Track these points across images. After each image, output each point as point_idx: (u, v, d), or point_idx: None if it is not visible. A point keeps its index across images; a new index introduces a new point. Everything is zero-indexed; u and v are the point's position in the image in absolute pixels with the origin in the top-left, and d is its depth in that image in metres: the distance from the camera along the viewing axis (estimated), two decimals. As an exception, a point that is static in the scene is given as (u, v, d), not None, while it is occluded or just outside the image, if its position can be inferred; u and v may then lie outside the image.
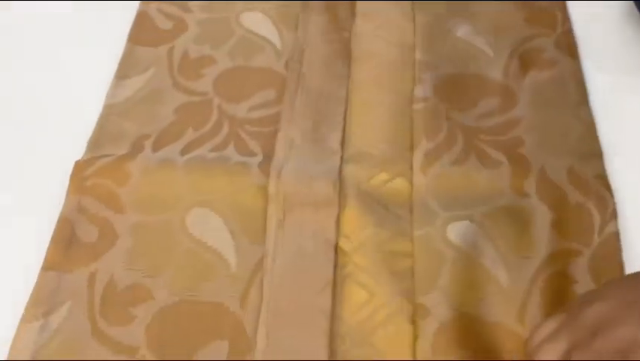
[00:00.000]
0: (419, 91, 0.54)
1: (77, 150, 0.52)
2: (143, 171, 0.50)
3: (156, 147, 0.52)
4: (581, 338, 0.37)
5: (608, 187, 0.48)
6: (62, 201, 0.49)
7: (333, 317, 0.43)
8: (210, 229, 0.47)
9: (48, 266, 0.46)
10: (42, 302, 0.44)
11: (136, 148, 0.52)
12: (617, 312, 0.37)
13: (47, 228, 0.48)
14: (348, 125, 0.53)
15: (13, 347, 0.42)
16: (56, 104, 0.57)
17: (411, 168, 0.50)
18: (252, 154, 0.51)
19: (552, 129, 0.52)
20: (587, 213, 0.47)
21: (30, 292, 0.45)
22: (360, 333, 0.42)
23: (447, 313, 0.42)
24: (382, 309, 0.42)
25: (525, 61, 0.56)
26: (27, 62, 0.60)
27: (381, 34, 0.58)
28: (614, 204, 0.47)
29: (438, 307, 0.43)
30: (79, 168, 0.50)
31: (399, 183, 0.49)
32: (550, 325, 0.40)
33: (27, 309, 0.44)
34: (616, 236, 0.46)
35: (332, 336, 0.41)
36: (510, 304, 0.43)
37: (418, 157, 0.50)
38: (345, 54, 0.58)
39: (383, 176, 0.49)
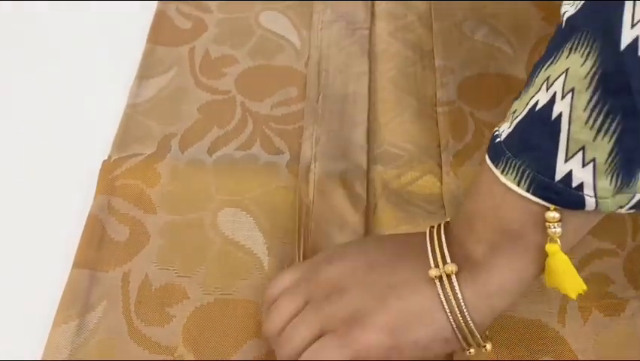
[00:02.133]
0: (442, 95, 0.54)
1: (100, 148, 0.52)
2: (172, 171, 0.50)
3: (182, 146, 0.52)
4: (316, 297, 0.37)
5: None
6: (86, 200, 0.49)
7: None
8: (241, 229, 0.47)
9: (79, 264, 0.45)
10: (76, 301, 0.44)
11: (164, 147, 0.52)
12: (345, 278, 0.37)
13: (72, 227, 0.48)
14: (371, 124, 0.53)
15: (48, 347, 0.42)
16: (75, 103, 0.56)
17: (440, 167, 0.50)
18: (279, 152, 0.52)
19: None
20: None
21: (57, 289, 0.44)
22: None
23: None
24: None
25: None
26: (46, 61, 0.59)
27: (399, 37, 0.59)
28: None
29: None
30: (107, 167, 0.50)
31: (429, 181, 0.49)
32: (292, 275, 0.40)
33: (60, 307, 0.43)
34: None
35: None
36: (551, 303, 0.43)
37: (447, 157, 0.50)
38: (365, 51, 0.58)
39: (412, 174, 0.49)
